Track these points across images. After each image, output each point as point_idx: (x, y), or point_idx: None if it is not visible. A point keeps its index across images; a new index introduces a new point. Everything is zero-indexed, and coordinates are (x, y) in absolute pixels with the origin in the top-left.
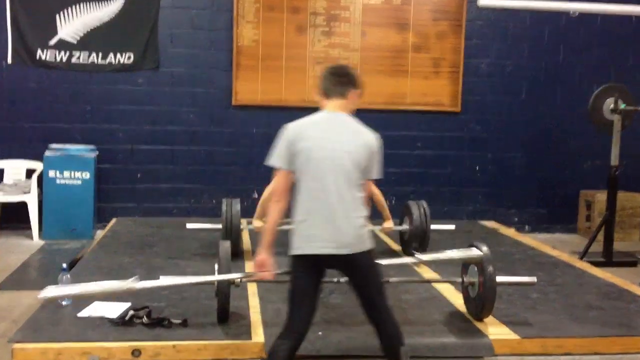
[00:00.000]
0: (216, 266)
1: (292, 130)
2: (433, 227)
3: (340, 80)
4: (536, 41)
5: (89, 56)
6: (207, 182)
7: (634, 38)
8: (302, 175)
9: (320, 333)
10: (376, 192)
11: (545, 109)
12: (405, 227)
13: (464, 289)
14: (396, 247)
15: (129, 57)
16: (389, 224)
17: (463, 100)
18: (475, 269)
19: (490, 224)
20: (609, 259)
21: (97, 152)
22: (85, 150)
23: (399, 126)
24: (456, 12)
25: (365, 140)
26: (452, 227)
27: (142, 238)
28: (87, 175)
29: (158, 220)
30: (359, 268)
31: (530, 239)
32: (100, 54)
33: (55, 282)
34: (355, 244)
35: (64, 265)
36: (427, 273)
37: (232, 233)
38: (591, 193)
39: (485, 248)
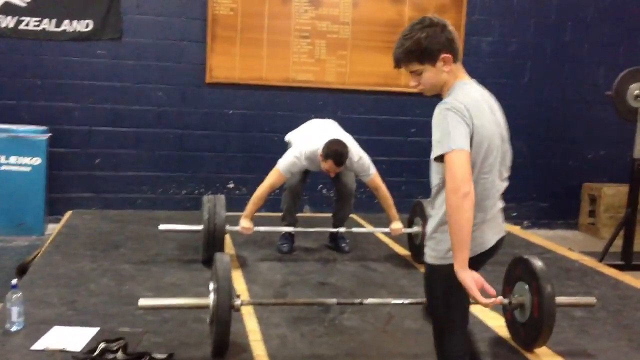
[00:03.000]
0: (211, 285)
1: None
2: None
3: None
4: (542, 17)
5: (40, 22)
6: (176, 170)
7: None
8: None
9: None
10: (382, 186)
11: (549, 92)
12: (416, 229)
13: (509, 311)
14: (404, 252)
15: (87, 25)
16: (397, 225)
17: None
18: (526, 287)
19: None
20: (628, 262)
21: (49, 134)
22: (35, 132)
23: (392, 110)
24: None
25: None
26: None
27: (105, 236)
28: (37, 160)
29: (121, 214)
30: None
31: (540, 239)
32: (53, 21)
33: (3, 289)
34: None
35: (13, 281)
36: None
37: (215, 239)
38: (596, 186)
39: (539, 262)
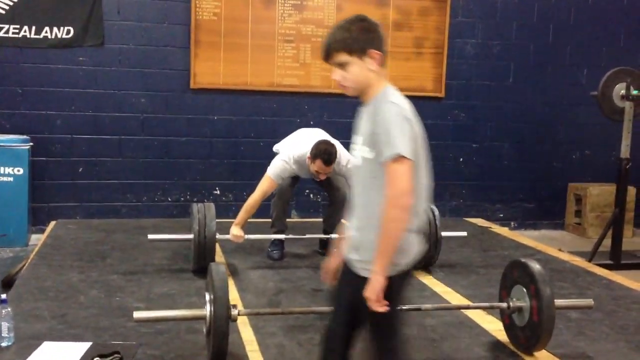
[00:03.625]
0: (207, 296)
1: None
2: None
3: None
4: (525, 20)
5: (20, 30)
6: (161, 177)
7: (625, 18)
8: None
9: None
10: None
11: (533, 94)
12: None
13: (507, 315)
14: None
15: (68, 31)
16: None
17: (447, 85)
18: (524, 290)
19: (480, 221)
20: (617, 261)
21: (31, 143)
22: (17, 141)
23: None
24: None
25: None
26: (463, 234)
27: (91, 246)
28: (20, 170)
29: (105, 223)
30: None
31: (529, 239)
32: (34, 28)
33: None
34: None
35: (3, 296)
36: (447, 292)
37: (206, 249)
38: (582, 186)
39: (537, 265)
